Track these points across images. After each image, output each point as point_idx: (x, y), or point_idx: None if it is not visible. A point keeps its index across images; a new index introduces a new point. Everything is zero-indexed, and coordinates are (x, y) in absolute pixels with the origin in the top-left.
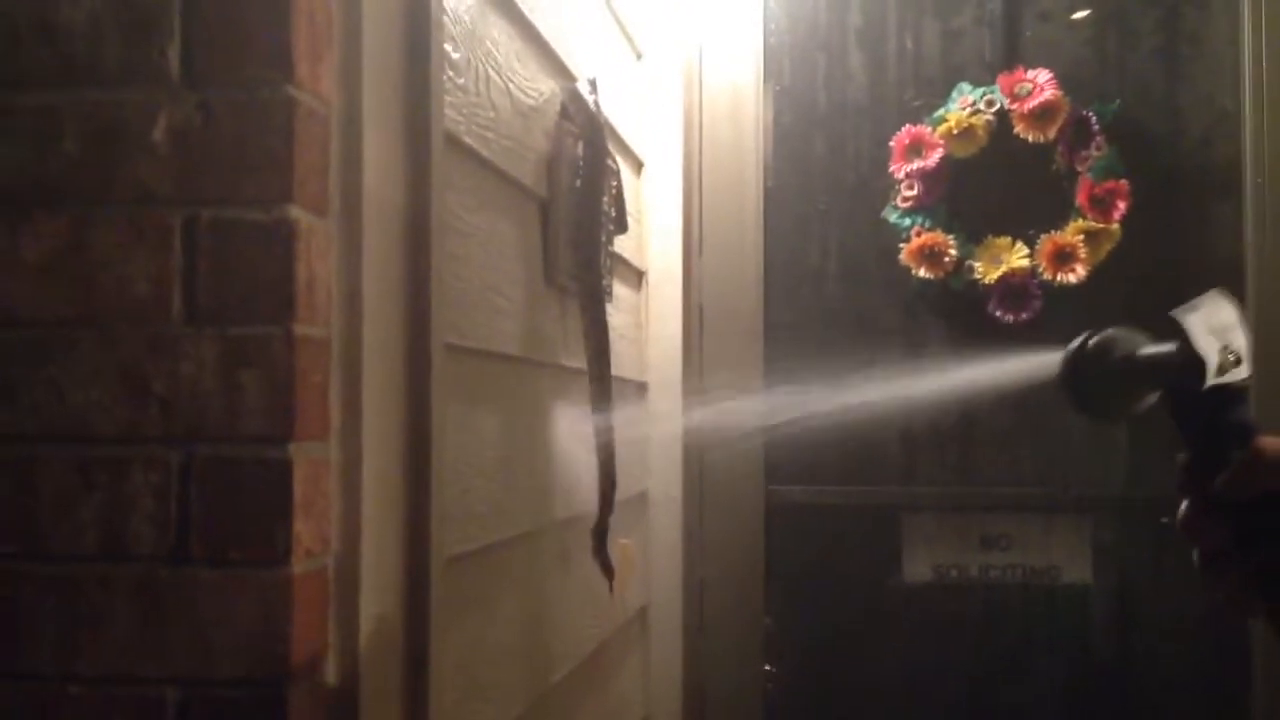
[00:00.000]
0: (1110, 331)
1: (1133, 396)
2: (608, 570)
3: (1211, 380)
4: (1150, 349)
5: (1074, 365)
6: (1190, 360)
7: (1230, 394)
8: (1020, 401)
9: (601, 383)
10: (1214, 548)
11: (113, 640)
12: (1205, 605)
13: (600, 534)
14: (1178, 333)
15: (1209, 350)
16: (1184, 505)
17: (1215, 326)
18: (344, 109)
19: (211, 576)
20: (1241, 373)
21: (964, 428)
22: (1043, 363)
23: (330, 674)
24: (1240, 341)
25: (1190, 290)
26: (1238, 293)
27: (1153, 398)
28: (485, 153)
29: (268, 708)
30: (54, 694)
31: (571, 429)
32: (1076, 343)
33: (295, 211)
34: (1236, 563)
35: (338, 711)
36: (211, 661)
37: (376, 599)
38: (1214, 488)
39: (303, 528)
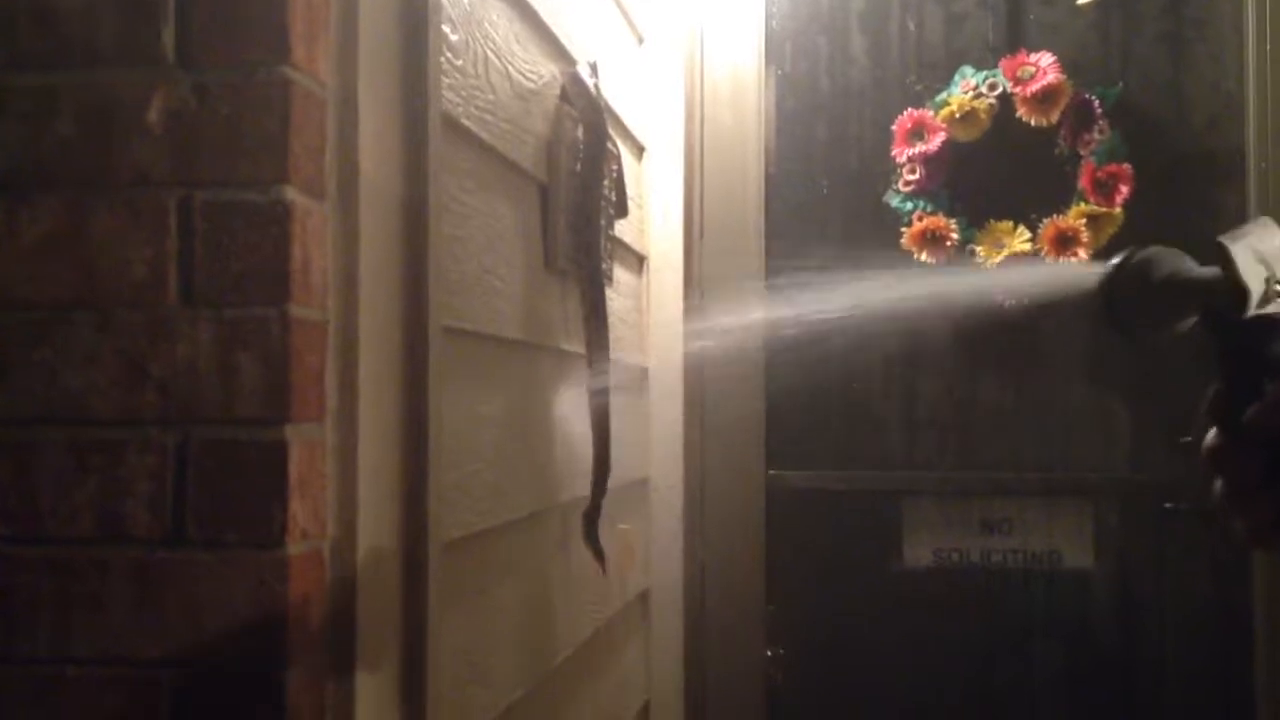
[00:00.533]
0: (1152, 249)
1: (1171, 317)
2: (598, 554)
3: (1254, 310)
4: (1194, 271)
5: (1113, 280)
6: (1234, 287)
7: (1271, 324)
8: (1021, 385)
9: (600, 366)
10: (1241, 480)
11: (109, 622)
12: (1208, 581)
13: (591, 518)
14: (1223, 258)
15: (1253, 278)
16: (1211, 434)
17: (1262, 254)
18: (340, 90)
19: (207, 558)
20: None
21: (965, 412)
22: (1082, 275)
23: (327, 656)
24: None
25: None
26: None
27: (1191, 321)
28: (484, 135)
29: (264, 690)
30: (50, 676)
31: (570, 413)
32: (1118, 258)
33: (291, 193)
34: (1265, 497)
35: (335, 694)
36: (208, 643)
37: (373, 582)
38: (1247, 418)
39: (299, 510)
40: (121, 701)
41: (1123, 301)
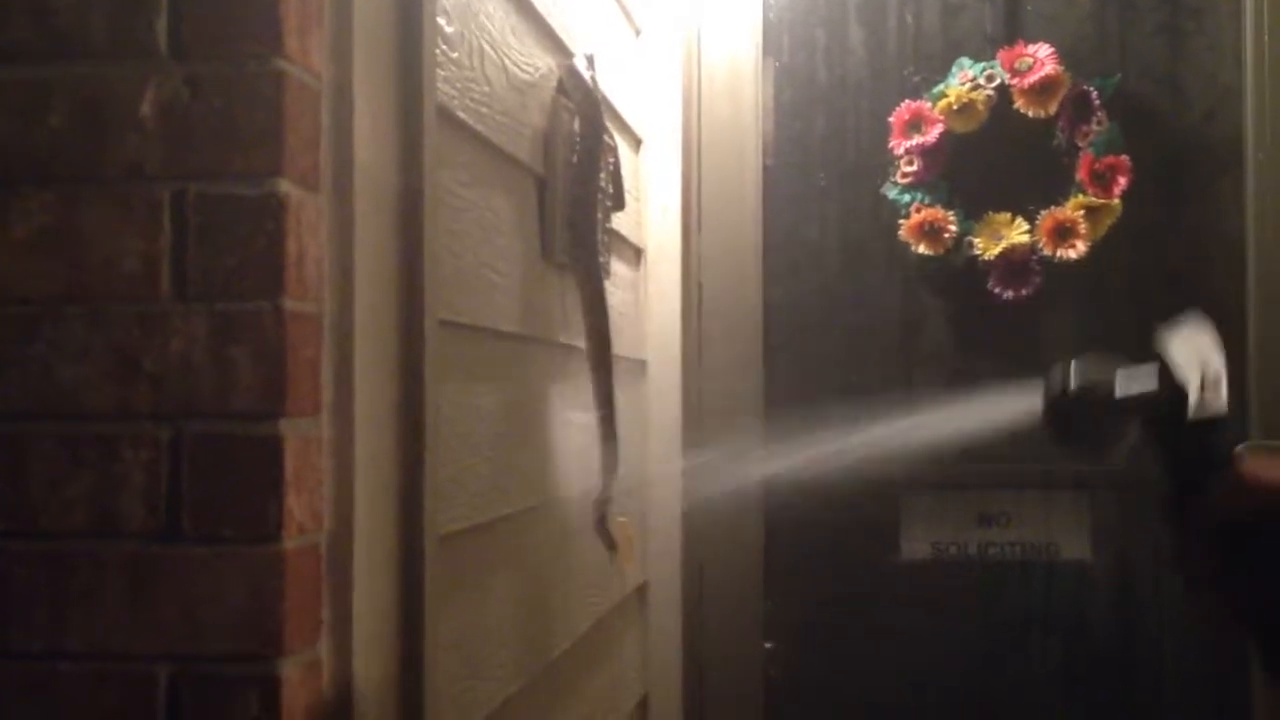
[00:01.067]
0: (1084, 367)
1: (1119, 435)
2: (610, 542)
3: (1194, 413)
4: (1131, 384)
5: (1057, 413)
6: (1173, 393)
7: (1212, 422)
8: (1020, 377)
9: (601, 358)
10: (1203, 574)
11: (103, 617)
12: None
13: (602, 506)
14: (1160, 366)
15: (1190, 378)
16: (1169, 537)
17: (1193, 356)
18: (335, 82)
19: (202, 553)
20: (1221, 404)
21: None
22: (1023, 406)
23: (324, 650)
24: (1218, 367)
25: (1191, 263)
26: (1239, 270)
27: (1136, 433)
28: (480, 128)
29: (260, 684)
30: (44, 671)
31: (569, 406)
32: (1056, 386)
33: (285, 186)
34: (1223, 592)
35: (331, 688)
36: (203, 638)
37: (370, 575)
38: (1200, 514)
39: (294, 504)
40: (116, 697)
41: (1070, 430)
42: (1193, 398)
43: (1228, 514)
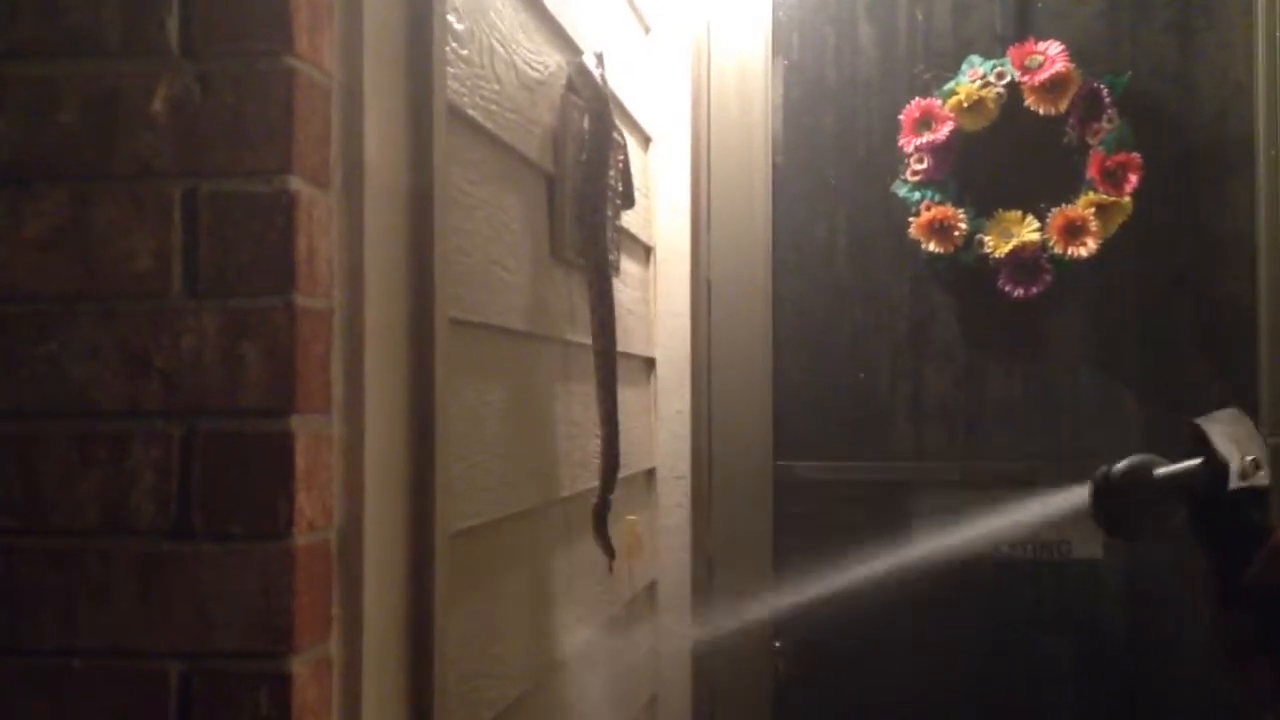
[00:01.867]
0: (1130, 461)
1: (1162, 516)
2: (608, 550)
3: (1235, 482)
4: (1173, 466)
5: (1101, 497)
6: (1215, 465)
7: (1253, 495)
8: (1030, 376)
9: (607, 358)
10: (1243, 644)
11: (115, 615)
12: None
13: (601, 513)
14: (1199, 436)
15: (1230, 453)
16: (1209, 613)
17: (1235, 436)
18: (345, 80)
19: (213, 550)
20: (1262, 478)
21: (973, 403)
22: (1071, 500)
23: (334, 647)
24: (1259, 451)
25: (1202, 261)
26: (1250, 268)
27: (1179, 515)
28: (489, 125)
29: (271, 681)
30: (56, 669)
31: (578, 404)
32: (1101, 474)
33: (295, 183)
34: (1267, 654)
35: (342, 685)
36: (214, 635)
37: (380, 573)
38: (1240, 584)
39: (305, 501)
40: (127, 694)
41: (1114, 513)
42: (1234, 466)
43: (1267, 586)
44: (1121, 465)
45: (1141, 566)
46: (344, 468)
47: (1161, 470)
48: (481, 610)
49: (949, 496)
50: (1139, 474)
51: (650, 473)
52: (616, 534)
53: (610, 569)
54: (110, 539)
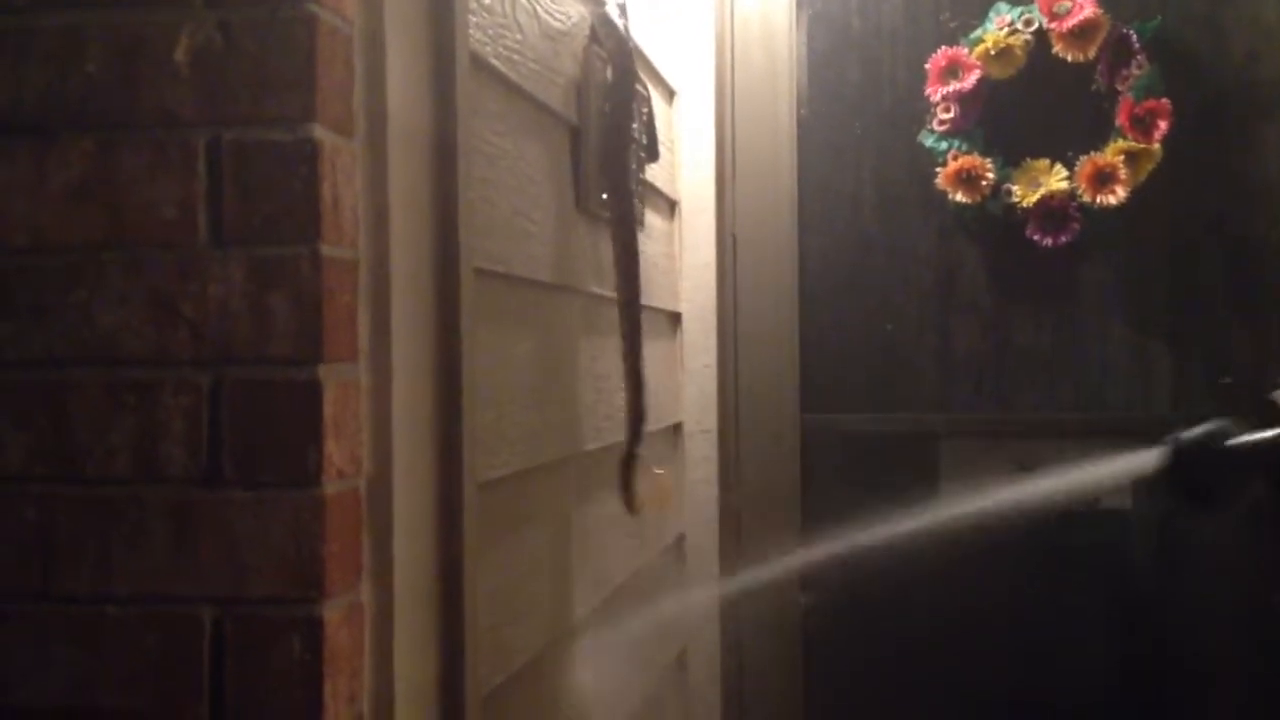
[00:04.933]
0: (1207, 428)
1: (1241, 484)
2: (631, 503)
3: None
4: (1251, 435)
5: (1182, 465)
6: None
7: None
8: (1058, 326)
9: (631, 310)
10: None
11: (148, 561)
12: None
13: (627, 467)
14: (1275, 415)
15: None
16: None
17: None
18: (366, 27)
19: (244, 497)
20: None
21: (1001, 354)
22: (1145, 461)
23: (365, 594)
24: None
25: (1232, 208)
26: (1278, 213)
27: (1256, 485)
28: (512, 75)
29: (303, 627)
30: (92, 615)
31: (603, 356)
32: (1178, 441)
33: (319, 131)
34: None
35: (374, 631)
36: (246, 581)
37: (410, 522)
38: None
39: (334, 449)
40: (161, 639)
41: (1196, 486)
42: None
43: None
44: (1198, 432)
45: (1170, 517)
46: (372, 417)
47: (1241, 439)
48: (510, 559)
49: (979, 448)
50: (1217, 442)
51: (677, 427)
52: (645, 487)
53: (635, 511)
54: (142, 486)
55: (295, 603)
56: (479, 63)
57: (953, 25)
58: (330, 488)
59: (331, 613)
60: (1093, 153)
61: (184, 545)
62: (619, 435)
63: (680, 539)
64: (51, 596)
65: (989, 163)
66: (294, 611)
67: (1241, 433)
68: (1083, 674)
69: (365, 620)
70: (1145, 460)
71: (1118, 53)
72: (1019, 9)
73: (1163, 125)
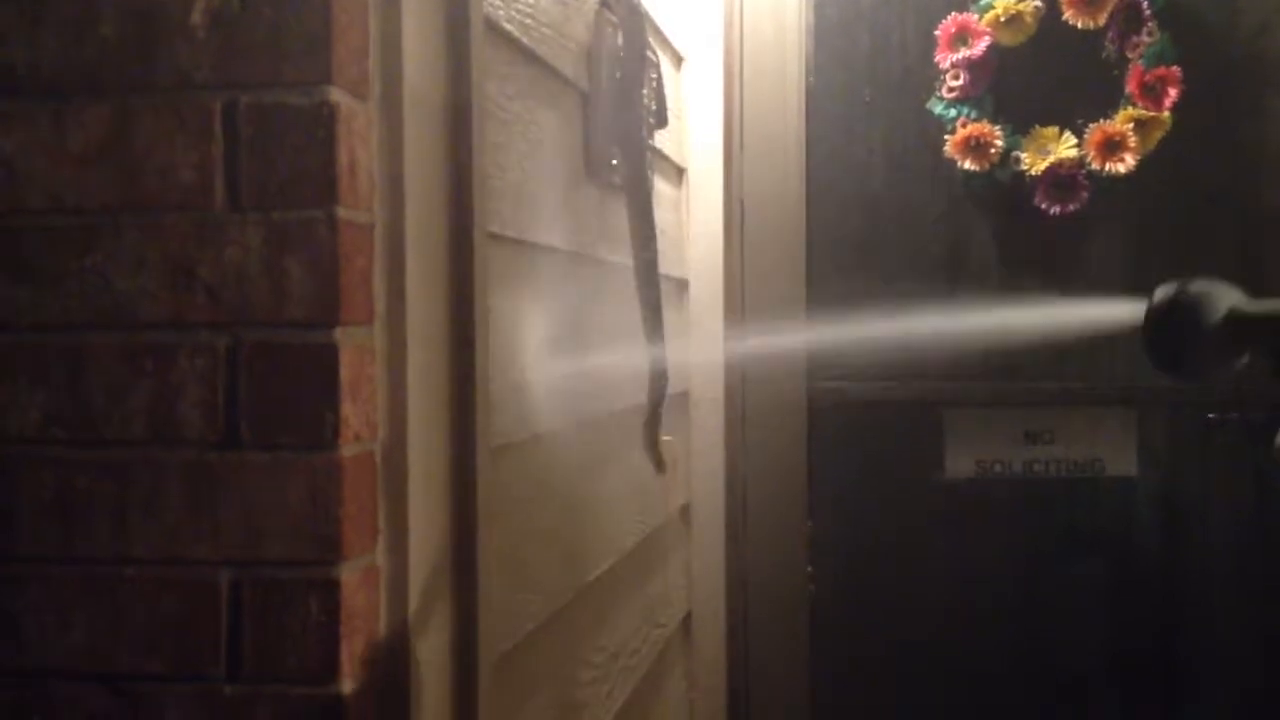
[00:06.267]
0: (1195, 286)
1: (1229, 354)
2: (659, 462)
3: None
4: (1253, 305)
5: (1163, 320)
6: None
7: None
8: (1066, 293)
9: (649, 274)
10: None
11: (166, 524)
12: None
13: (653, 426)
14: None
15: None
16: None
17: None
18: None
19: (261, 460)
20: None
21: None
22: (1121, 313)
23: (381, 557)
24: None
25: (1242, 177)
26: None
27: (1244, 359)
28: (525, 40)
29: (320, 588)
30: (110, 577)
31: (616, 322)
32: (1164, 295)
33: (335, 94)
34: None
35: (389, 593)
36: (263, 544)
37: (425, 485)
38: None
39: (350, 412)
40: (179, 601)
41: (1172, 341)
42: None
43: None
44: (1194, 287)
45: (1176, 484)
46: (387, 381)
47: (1246, 306)
48: (522, 525)
49: (984, 416)
50: (1211, 303)
51: (684, 395)
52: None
53: (662, 471)
54: (159, 449)
55: (312, 565)
56: (493, 26)
57: None
58: (347, 450)
59: (349, 575)
60: (1102, 120)
61: (201, 508)
62: (629, 400)
63: (686, 507)
64: (70, 559)
65: (998, 130)
66: (311, 573)
67: (1241, 295)
68: (1087, 646)
69: (380, 583)
70: (1125, 313)
71: (1128, 20)
72: None
73: (1173, 93)
